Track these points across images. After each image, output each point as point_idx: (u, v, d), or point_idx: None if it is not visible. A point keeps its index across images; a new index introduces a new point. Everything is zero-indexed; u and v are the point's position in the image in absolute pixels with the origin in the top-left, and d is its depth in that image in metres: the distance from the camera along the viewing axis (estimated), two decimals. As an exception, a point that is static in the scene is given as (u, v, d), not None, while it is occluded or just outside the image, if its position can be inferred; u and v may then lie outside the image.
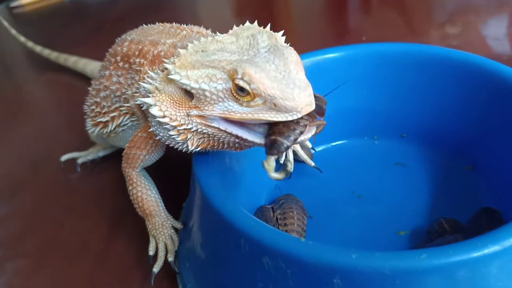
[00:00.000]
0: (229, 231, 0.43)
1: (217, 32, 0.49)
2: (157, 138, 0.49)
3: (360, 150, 0.68)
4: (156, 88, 0.45)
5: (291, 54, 0.43)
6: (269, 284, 0.41)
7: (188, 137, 0.46)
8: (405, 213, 0.58)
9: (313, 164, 0.64)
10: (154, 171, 0.59)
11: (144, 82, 0.47)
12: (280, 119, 0.41)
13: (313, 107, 0.41)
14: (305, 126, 0.43)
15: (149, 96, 0.46)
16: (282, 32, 0.48)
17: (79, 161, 0.76)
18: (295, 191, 0.61)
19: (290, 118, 0.41)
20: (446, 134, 0.65)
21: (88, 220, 0.68)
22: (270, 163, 0.42)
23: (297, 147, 0.64)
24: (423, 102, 0.66)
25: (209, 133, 0.45)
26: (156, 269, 0.54)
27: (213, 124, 0.44)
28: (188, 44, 0.45)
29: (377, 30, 1.10)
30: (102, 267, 0.61)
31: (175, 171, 0.68)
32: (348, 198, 0.61)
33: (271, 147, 0.42)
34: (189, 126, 0.45)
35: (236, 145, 0.46)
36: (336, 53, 0.66)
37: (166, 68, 0.46)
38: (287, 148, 0.42)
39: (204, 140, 0.46)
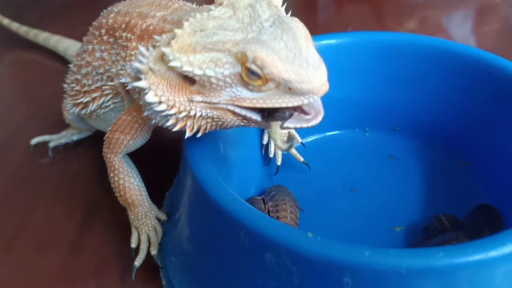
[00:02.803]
0: (227, 223, 0.40)
1: (211, 6, 0.44)
2: (152, 122, 0.45)
3: (352, 141, 0.66)
4: (150, 68, 0.41)
5: (299, 27, 0.39)
6: (270, 281, 0.38)
7: (188, 124, 0.42)
8: (400, 208, 0.56)
9: (302, 159, 0.61)
10: (134, 157, 0.55)
11: (134, 61, 0.42)
12: (296, 104, 0.39)
13: (328, 86, 0.39)
14: None
15: (140, 78, 0.41)
16: None
17: (51, 144, 0.71)
18: (286, 183, 0.59)
19: (306, 102, 0.38)
20: (440, 128, 0.64)
21: (61, 207, 0.63)
22: (275, 129, 0.40)
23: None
24: (417, 94, 0.65)
25: (214, 116, 0.41)
26: (138, 262, 0.50)
27: (220, 105, 0.41)
28: (183, 22, 0.41)
29: (350, 25, 1.09)
30: (76, 258, 0.56)
31: (158, 157, 0.64)
32: (341, 191, 0.59)
33: (273, 114, 0.40)
34: (192, 113, 0.41)
35: (241, 124, 0.43)
36: (332, 40, 0.63)
37: (158, 46, 0.42)
38: (290, 115, 0.40)
39: (207, 126, 0.43)
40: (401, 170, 0.61)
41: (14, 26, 1.02)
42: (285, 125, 0.41)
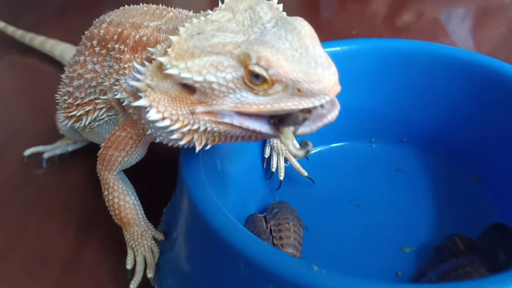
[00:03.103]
0: (227, 253, 0.37)
1: (208, 10, 0.42)
2: (157, 140, 0.42)
3: (357, 153, 0.63)
4: (148, 85, 0.38)
5: (303, 26, 0.37)
6: (272, 314, 0.35)
7: (195, 138, 0.39)
8: (409, 226, 0.53)
9: (305, 174, 0.58)
10: (129, 171, 0.53)
11: (131, 79, 0.40)
12: (306, 106, 0.36)
13: (340, 87, 0.36)
14: None
15: (139, 97, 0.39)
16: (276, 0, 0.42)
17: (46, 155, 0.68)
18: (288, 199, 0.56)
19: (317, 103, 0.36)
20: (449, 140, 0.61)
21: (54, 223, 0.60)
22: (287, 135, 0.37)
23: (289, 155, 0.58)
24: (425, 104, 0.62)
25: (221, 130, 0.39)
26: (133, 285, 0.48)
27: (225, 120, 0.38)
28: (179, 28, 0.38)
29: (352, 21, 1.06)
30: (69, 278, 0.54)
31: (154, 170, 0.62)
32: (346, 208, 0.56)
33: (286, 118, 0.37)
34: (195, 127, 0.38)
35: (251, 138, 0.40)
36: (337, 47, 0.60)
37: (154, 59, 0.39)
38: (303, 120, 0.37)
39: (215, 138, 0.40)
40: (409, 185, 0.58)
41: (10, 29, 1.00)
42: (299, 131, 0.38)
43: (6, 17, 1.05)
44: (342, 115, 0.62)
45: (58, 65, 0.92)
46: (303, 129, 0.38)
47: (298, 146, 0.50)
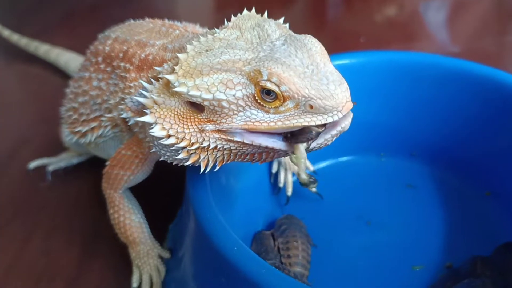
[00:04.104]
0: (233, 277, 0.36)
1: (215, 28, 0.41)
2: (161, 159, 0.42)
3: (366, 168, 0.62)
4: (155, 101, 0.37)
5: (313, 43, 0.36)
6: None
7: (201, 158, 0.38)
8: (419, 244, 0.53)
9: (314, 189, 0.57)
10: (135, 187, 0.52)
11: (137, 95, 0.39)
12: (319, 123, 0.35)
13: (351, 104, 0.35)
14: None
15: (145, 113, 0.38)
16: (282, 19, 0.41)
17: (50, 168, 0.67)
18: (296, 214, 0.55)
19: (330, 120, 0.35)
20: (461, 154, 0.60)
21: (58, 238, 0.60)
22: (300, 154, 0.36)
23: (297, 169, 0.57)
24: (435, 118, 0.61)
25: (231, 148, 0.38)
26: (139, 305, 0.47)
27: (235, 139, 0.37)
28: (186, 46, 0.38)
29: (357, 26, 1.06)
30: (74, 296, 0.53)
31: (160, 186, 0.61)
32: (356, 224, 0.55)
33: (299, 134, 0.36)
34: (205, 144, 0.37)
35: (262, 156, 0.39)
36: (345, 60, 0.59)
37: (161, 78, 0.38)
38: (317, 134, 0.36)
39: (223, 157, 0.39)
40: (419, 201, 0.58)
41: (15, 38, 0.99)
42: (311, 145, 0.37)
43: (11, 24, 1.04)
44: (351, 129, 0.61)
45: (63, 74, 0.91)
46: (316, 142, 0.37)
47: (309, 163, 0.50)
